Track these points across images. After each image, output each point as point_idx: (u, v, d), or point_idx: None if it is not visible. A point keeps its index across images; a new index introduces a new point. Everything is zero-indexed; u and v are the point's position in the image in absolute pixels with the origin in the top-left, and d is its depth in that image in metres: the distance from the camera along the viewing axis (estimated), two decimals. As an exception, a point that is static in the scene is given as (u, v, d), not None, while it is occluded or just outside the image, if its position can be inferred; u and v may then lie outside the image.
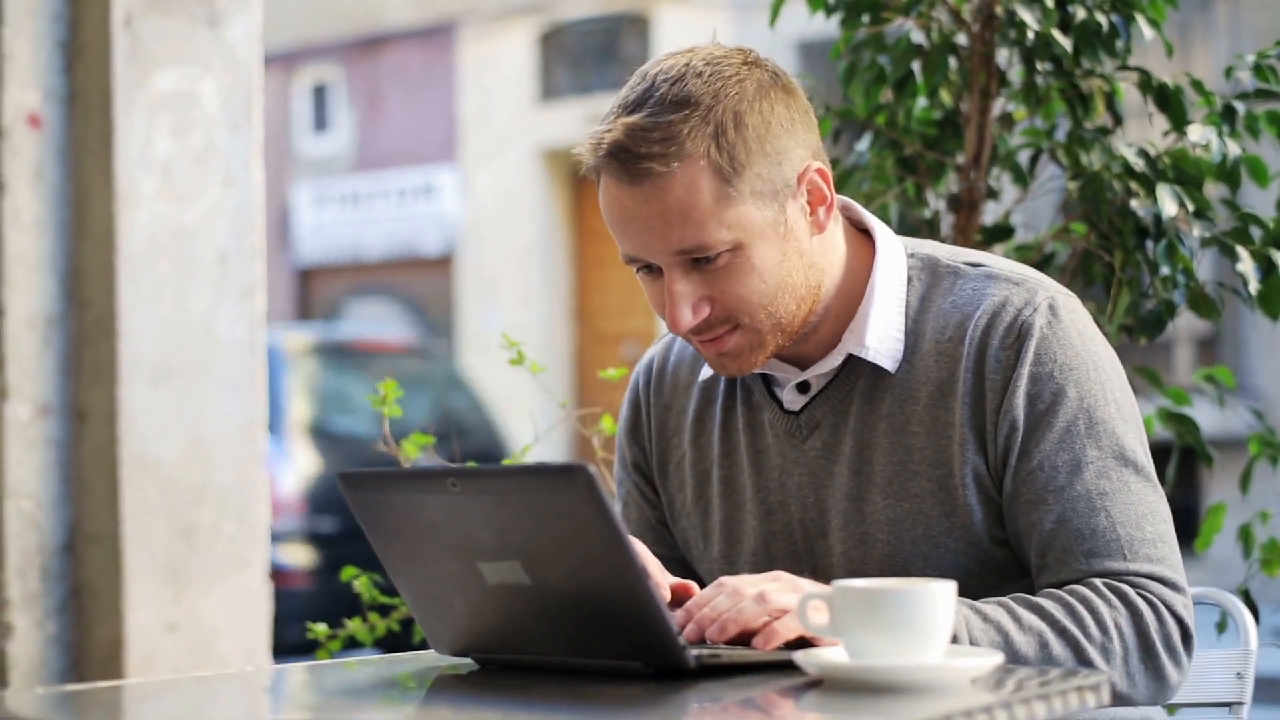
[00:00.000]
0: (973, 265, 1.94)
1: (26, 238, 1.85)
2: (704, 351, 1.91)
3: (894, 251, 1.95)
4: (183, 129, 1.93)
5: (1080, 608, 1.79)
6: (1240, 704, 2.08)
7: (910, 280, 1.94)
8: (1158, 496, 1.86)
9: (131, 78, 1.89)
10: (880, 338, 1.91)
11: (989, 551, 1.88)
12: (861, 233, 1.97)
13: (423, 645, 2.46)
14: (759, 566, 1.97)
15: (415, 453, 2.88)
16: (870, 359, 1.90)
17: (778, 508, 1.97)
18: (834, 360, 1.93)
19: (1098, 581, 1.81)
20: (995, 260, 1.95)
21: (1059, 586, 1.83)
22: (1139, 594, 1.81)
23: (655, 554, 2.06)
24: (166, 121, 1.92)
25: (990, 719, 1.43)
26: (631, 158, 1.81)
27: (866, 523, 1.90)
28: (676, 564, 2.08)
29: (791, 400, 1.97)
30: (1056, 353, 1.85)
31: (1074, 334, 1.87)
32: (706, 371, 2.04)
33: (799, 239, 1.87)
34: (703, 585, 2.03)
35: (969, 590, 1.86)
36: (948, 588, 1.55)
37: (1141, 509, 1.84)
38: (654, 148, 1.81)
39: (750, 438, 2.00)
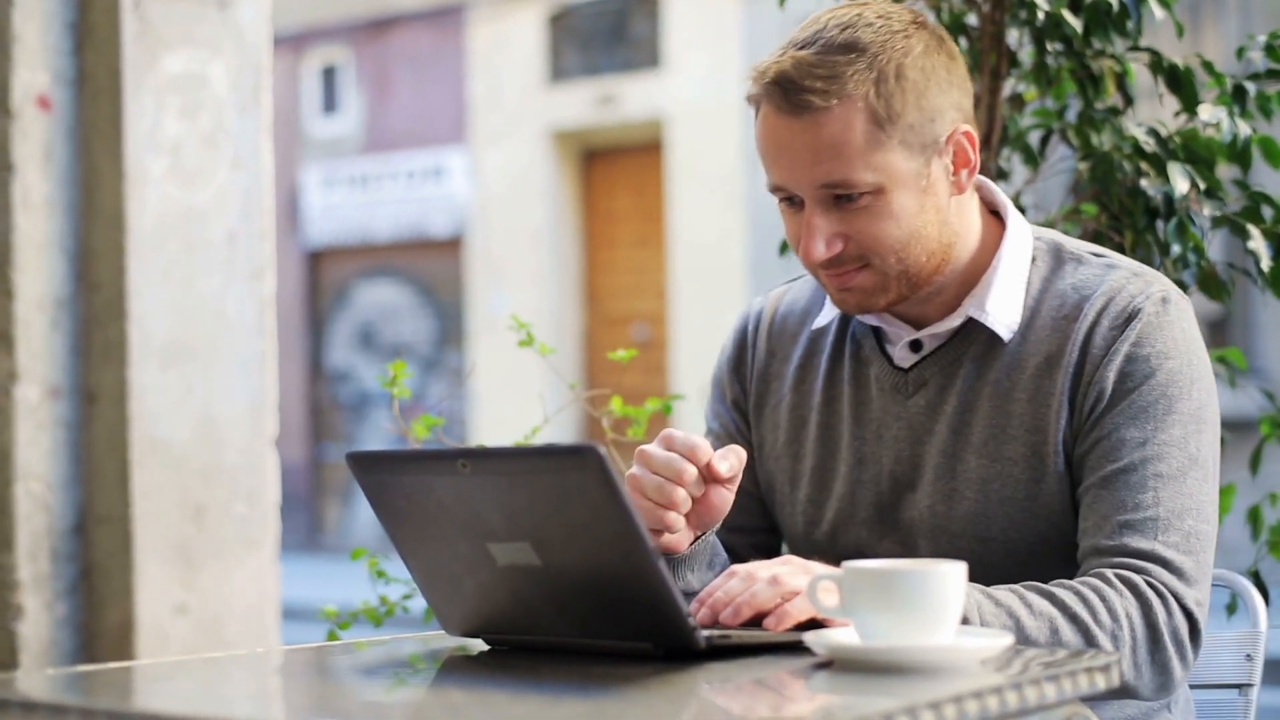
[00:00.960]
0: (1096, 255, 2.00)
1: (36, 219, 1.85)
2: (829, 285, 1.97)
3: (1022, 232, 2.01)
4: (192, 111, 1.93)
5: (1092, 595, 1.80)
6: (1250, 685, 2.08)
7: (1035, 260, 2.00)
8: (1209, 500, 1.88)
9: (140, 60, 1.89)
10: (1002, 307, 1.96)
11: (1069, 524, 1.92)
12: (993, 214, 2.04)
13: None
14: (842, 513, 2.03)
15: (425, 433, 2.88)
16: (989, 324, 1.96)
17: (870, 458, 2.02)
18: (953, 321, 1.99)
19: (1109, 573, 1.83)
20: (1118, 255, 2.00)
21: (1089, 553, 1.87)
22: (1148, 583, 1.82)
23: (742, 488, 2.06)
24: (175, 103, 1.92)
25: (1000, 699, 1.43)
26: (795, 89, 1.89)
27: (957, 480, 1.95)
28: (758, 501, 2.14)
29: (902, 357, 2.02)
30: (1157, 339, 1.90)
31: (1178, 329, 1.92)
32: (820, 321, 2.09)
33: (938, 195, 1.94)
34: (776, 530, 2.13)
35: (1043, 561, 1.91)
36: (958, 569, 1.55)
37: (1189, 503, 1.86)
38: (817, 83, 1.88)
39: (854, 389, 2.05)
